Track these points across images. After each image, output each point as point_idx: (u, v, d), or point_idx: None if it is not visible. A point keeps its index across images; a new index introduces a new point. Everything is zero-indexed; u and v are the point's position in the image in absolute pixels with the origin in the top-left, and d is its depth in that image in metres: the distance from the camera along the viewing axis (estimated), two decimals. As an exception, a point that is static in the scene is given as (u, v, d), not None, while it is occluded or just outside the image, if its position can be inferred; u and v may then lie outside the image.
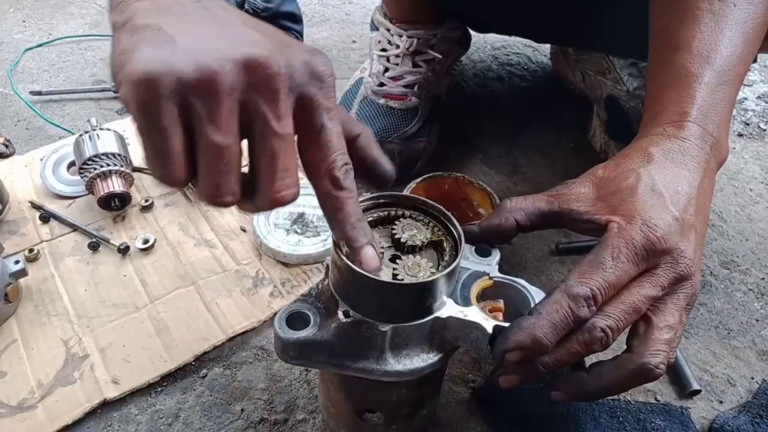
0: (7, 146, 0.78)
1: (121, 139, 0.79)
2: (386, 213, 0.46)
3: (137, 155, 0.85)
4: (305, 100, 0.35)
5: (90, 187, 0.75)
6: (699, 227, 0.48)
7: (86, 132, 0.77)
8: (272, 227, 0.75)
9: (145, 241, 0.73)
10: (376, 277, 0.40)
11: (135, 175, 0.80)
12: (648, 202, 0.46)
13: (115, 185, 0.74)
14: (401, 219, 0.45)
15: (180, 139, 0.33)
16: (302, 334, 0.42)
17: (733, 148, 0.98)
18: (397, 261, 0.43)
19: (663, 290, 0.45)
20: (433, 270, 0.42)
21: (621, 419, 0.58)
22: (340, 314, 0.42)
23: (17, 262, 0.66)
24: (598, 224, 0.47)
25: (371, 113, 0.86)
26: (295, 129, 0.36)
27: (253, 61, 0.33)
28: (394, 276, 0.41)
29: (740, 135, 1.01)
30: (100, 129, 0.78)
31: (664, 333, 0.44)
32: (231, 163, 0.34)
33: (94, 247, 0.72)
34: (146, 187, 0.81)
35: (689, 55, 0.53)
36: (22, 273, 0.66)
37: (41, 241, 0.73)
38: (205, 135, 0.33)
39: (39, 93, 0.99)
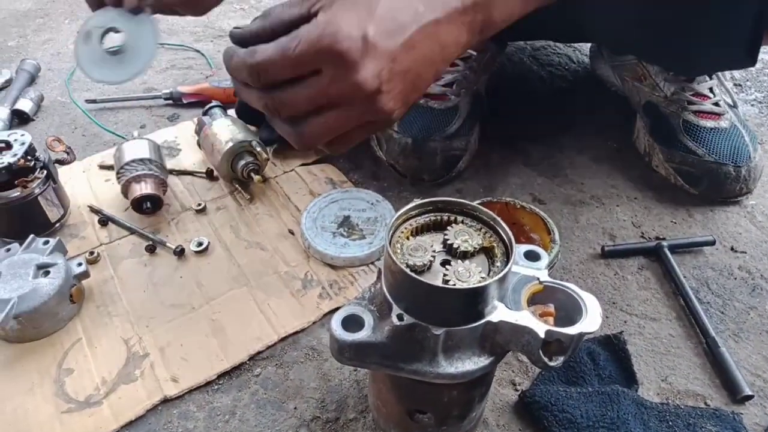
0: (68, 153, 0.82)
1: (156, 147, 0.83)
2: (438, 218, 0.47)
3: (189, 160, 0.88)
4: None
5: (125, 191, 0.79)
6: (401, 60, 0.46)
7: (125, 140, 0.82)
8: (319, 230, 0.77)
9: (200, 244, 0.76)
10: (430, 282, 0.41)
11: (188, 178, 0.84)
12: (347, 6, 0.45)
13: (147, 187, 0.77)
14: (453, 225, 0.46)
15: None
16: (358, 336, 0.44)
17: (784, 147, 0.96)
18: (449, 266, 0.44)
19: (323, 95, 0.46)
20: (484, 275, 0.43)
21: (671, 423, 0.58)
22: (394, 317, 0.43)
23: (80, 264, 0.69)
24: (302, 14, 0.46)
25: (412, 114, 0.88)
26: None
27: None
28: (446, 281, 0.42)
29: (791, 134, 0.99)
30: (138, 138, 0.83)
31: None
32: None
33: (151, 249, 0.75)
34: (198, 191, 0.84)
35: None
36: (85, 275, 0.70)
37: (100, 244, 0.77)
38: None
39: (94, 101, 1.03)
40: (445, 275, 0.43)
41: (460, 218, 0.47)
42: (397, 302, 0.44)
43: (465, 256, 0.45)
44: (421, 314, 0.43)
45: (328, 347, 0.65)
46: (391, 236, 0.45)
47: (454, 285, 0.42)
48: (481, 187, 0.87)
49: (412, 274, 0.41)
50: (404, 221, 0.47)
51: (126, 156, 0.79)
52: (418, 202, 0.47)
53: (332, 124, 0.48)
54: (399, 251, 0.44)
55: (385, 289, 0.45)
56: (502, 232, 0.45)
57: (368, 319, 0.45)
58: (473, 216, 0.47)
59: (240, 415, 0.60)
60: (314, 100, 0.46)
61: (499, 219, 0.46)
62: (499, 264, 0.44)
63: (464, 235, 0.45)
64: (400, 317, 0.43)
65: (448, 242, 0.45)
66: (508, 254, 0.44)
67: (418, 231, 0.47)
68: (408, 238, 0.46)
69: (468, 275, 0.43)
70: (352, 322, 0.45)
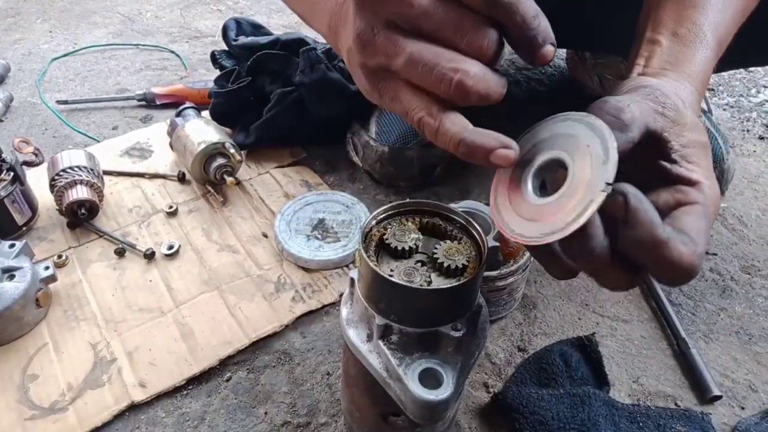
0: (36, 155, 0.80)
1: (92, 157, 0.80)
2: (420, 220, 0.46)
3: (161, 162, 0.87)
4: None
5: (59, 199, 0.76)
6: None
7: (61, 151, 0.79)
8: (293, 233, 0.76)
9: (170, 247, 0.74)
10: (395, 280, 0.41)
11: (160, 180, 0.82)
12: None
13: (81, 193, 0.75)
14: (446, 240, 0.45)
15: None
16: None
17: (754, 151, 0.98)
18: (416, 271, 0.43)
19: None
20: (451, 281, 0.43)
21: (641, 424, 0.58)
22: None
23: (47, 267, 0.68)
24: (687, 180, 0.41)
25: (390, 120, 0.87)
26: None
27: None
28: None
29: (761, 138, 1.01)
30: (74, 149, 0.80)
31: None
32: None
33: (120, 252, 0.74)
34: (170, 193, 0.83)
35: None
36: (52, 279, 0.68)
37: (69, 248, 0.75)
38: None
39: (65, 102, 1.01)
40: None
41: (426, 219, 0.46)
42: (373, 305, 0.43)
43: (445, 271, 0.44)
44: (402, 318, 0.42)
45: (300, 351, 0.65)
46: (366, 234, 0.45)
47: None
48: (457, 190, 0.87)
49: (387, 277, 0.40)
50: (382, 220, 0.46)
51: (60, 164, 0.76)
52: (388, 205, 0.47)
53: None
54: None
55: (361, 295, 0.44)
56: (476, 234, 0.45)
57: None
58: (448, 218, 0.47)
59: (209, 421, 0.58)
60: None
61: (472, 221, 0.45)
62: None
63: (455, 254, 0.44)
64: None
65: (436, 258, 0.44)
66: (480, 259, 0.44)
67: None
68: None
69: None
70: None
